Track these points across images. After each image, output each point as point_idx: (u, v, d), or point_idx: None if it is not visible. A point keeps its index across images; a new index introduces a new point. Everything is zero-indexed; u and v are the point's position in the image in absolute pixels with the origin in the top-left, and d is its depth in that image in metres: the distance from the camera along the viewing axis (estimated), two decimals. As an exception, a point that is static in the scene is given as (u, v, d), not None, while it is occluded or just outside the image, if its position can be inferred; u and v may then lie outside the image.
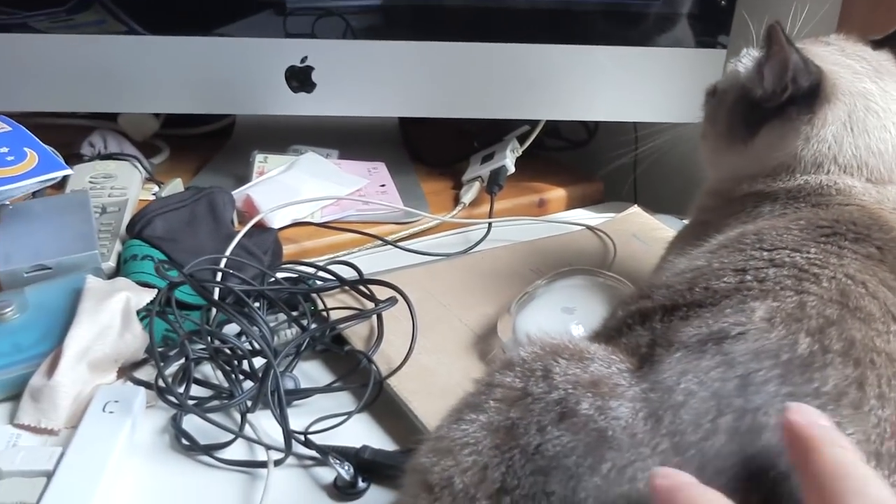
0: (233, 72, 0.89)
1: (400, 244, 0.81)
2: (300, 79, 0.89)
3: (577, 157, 1.06)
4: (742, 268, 0.44)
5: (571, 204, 0.97)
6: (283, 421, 0.53)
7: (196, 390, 0.59)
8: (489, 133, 0.99)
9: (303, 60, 0.88)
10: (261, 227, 0.79)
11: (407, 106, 0.92)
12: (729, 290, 0.43)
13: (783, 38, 0.54)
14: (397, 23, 0.88)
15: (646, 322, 0.44)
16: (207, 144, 1.04)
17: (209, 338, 0.60)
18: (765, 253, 0.45)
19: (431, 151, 1.03)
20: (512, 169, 0.92)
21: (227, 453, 0.54)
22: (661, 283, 0.47)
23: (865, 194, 0.54)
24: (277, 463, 0.53)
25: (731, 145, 0.59)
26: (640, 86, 0.91)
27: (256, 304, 0.65)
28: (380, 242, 0.82)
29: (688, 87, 0.91)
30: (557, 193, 0.96)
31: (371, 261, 0.79)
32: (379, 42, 0.88)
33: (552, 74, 0.90)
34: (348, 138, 1.01)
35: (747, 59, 0.61)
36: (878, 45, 0.60)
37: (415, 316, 0.63)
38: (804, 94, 0.55)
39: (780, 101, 0.56)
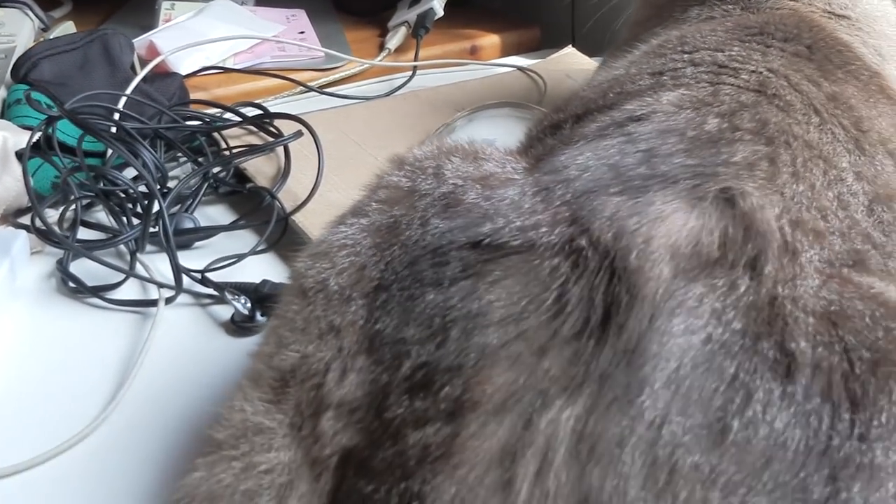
0: None
1: (318, 89, 0.76)
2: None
3: (515, 3, 1.00)
4: (659, 70, 0.41)
5: (506, 51, 0.91)
6: (172, 257, 0.49)
7: (88, 234, 0.55)
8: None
9: None
10: (165, 73, 0.73)
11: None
12: (642, 90, 0.39)
13: None
14: None
15: (556, 133, 0.40)
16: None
17: (94, 177, 0.55)
18: (685, 55, 0.42)
19: (358, 2, 0.96)
20: (440, 12, 0.86)
21: (118, 294, 0.50)
22: (576, 96, 0.43)
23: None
24: (169, 301, 0.49)
25: None
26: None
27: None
28: (299, 89, 0.77)
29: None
30: (491, 40, 0.90)
31: (286, 108, 0.74)
32: None
33: None
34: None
35: None
36: None
37: (321, 150, 0.58)
38: None
39: None
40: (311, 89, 0.76)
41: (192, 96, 0.73)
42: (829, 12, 0.50)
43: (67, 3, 0.95)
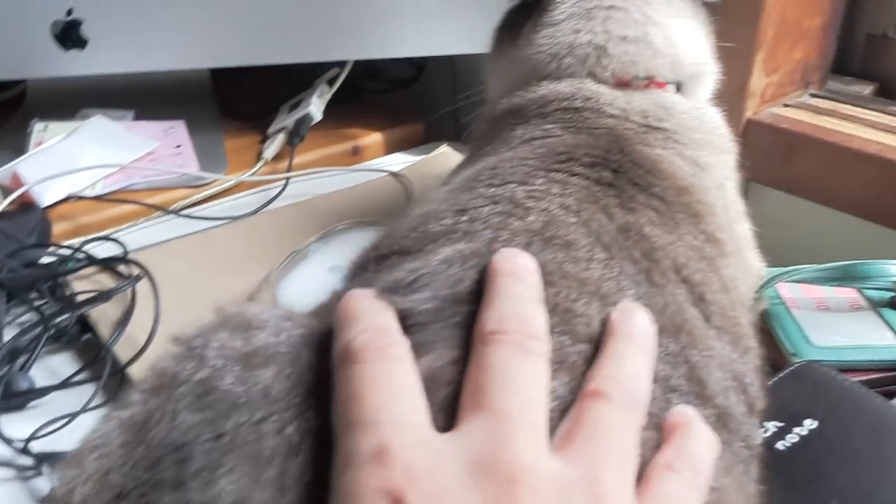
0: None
1: (184, 212, 0.75)
2: (69, 34, 0.81)
3: (403, 99, 1.01)
4: (463, 208, 0.40)
5: (390, 149, 0.91)
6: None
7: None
8: (299, 79, 0.92)
9: (68, 13, 0.80)
10: (25, 206, 0.72)
11: (193, 57, 0.84)
12: (438, 234, 0.38)
13: None
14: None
15: (357, 276, 0.39)
16: (-3, 116, 0.95)
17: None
18: (491, 189, 0.41)
19: (244, 103, 0.96)
20: (318, 117, 0.86)
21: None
22: (389, 234, 0.42)
23: (613, 105, 0.50)
24: (-14, 478, 0.47)
25: (499, 54, 0.57)
26: (450, 15, 0.85)
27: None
28: (162, 212, 0.76)
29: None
30: (373, 139, 0.90)
31: (155, 233, 0.73)
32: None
33: (356, 10, 0.83)
34: (149, 96, 0.93)
35: None
36: None
37: (157, 291, 0.57)
38: None
39: None
40: (169, 212, 0.75)
41: (56, 228, 0.72)
42: (646, 125, 0.49)
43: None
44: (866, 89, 0.75)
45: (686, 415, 0.32)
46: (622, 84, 0.51)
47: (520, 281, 0.33)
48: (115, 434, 0.32)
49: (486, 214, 0.39)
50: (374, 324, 0.31)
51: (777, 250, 0.55)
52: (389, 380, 0.29)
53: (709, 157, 0.50)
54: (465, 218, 0.39)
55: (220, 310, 0.36)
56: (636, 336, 0.33)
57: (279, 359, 0.32)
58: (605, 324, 0.33)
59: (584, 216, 0.38)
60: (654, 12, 0.55)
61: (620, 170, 0.42)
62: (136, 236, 0.72)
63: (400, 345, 0.31)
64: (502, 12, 0.61)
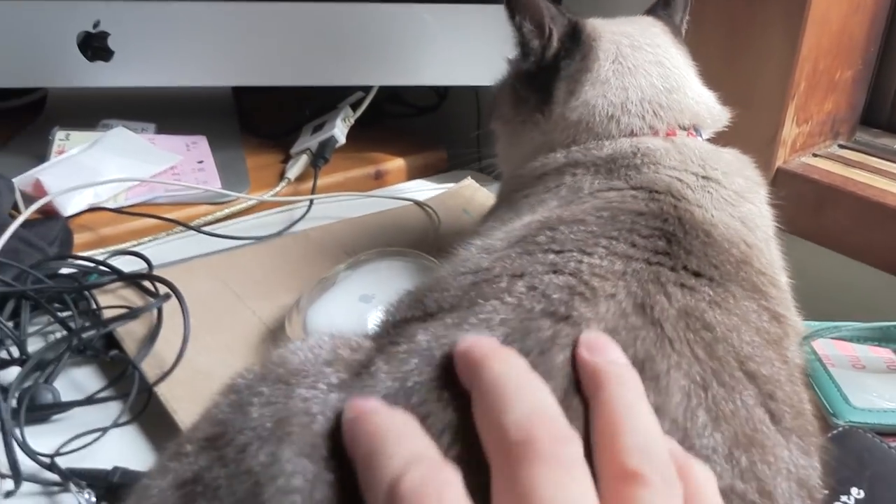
0: (21, 41, 0.79)
1: (206, 229, 0.74)
2: (95, 46, 0.80)
3: (425, 123, 1.01)
4: (521, 272, 0.38)
5: (412, 174, 0.91)
6: (6, 442, 0.47)
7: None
8: (322, 100, 0.92)
9: (95, 25, 0.79)
10: (48, 215, 0.71)
11: (219, 75, 0.84)
12: (492, 295, 0.36)
13: None
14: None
15: (403, 329, 0.37)
16: (14, 120, 0.94)
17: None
18: (550, 256, 0.39)
19: (265, 121, 0.96)
20: (342, 140, 0.86)
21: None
22: (438, 286, 0.40)
23: (669, 157, 0.50)
24: (9, 494, 0.46)
25: (528, 122, 0.56)
26: (477, 47, 0.85)
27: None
28: (184, 228, 0.75)
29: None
30: (396, 164, 0.90)
31: (177, 248, 0.73)
32: (185, 3, 0.80)
33: (384, 38, 0.83)
34: (171, 108, 0.92)
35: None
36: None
37: (186, 313, 0.56)
38: (572, 46, 0.55)
39: (554, 52, 0.55)
40: (191, 228, 0.74)
41: (78, 238, 0.71)
42: (699, 175, 0.49)
43: (-36, 127, 0.93)
44: (895, 143, 0.76)
45: None
46: (671, 135, 0.52)
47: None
48: (169, 493, 0.31)
49: (546, 286, 0.36)
50: (415, 452, 0.27)
51: (805, 302, 0.55)
52: None
53: (753, 205, 0.50)
54: (519, 284, 0.37)
55: (265, 362, 0.34)
56: (624, 375, 0.31)
57: (312, 424, 0.30)
58: (573, 366, 0.31)
59: (647, 306, 0.36)
60: (678, 62, 0.57)
61: (676, 240, 0.41)
62: (157, 250, 0.72)
63: (455, 485, 0.26)
64: (505, 79, 0.61)
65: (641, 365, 0.33)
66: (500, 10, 0.83)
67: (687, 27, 0.65)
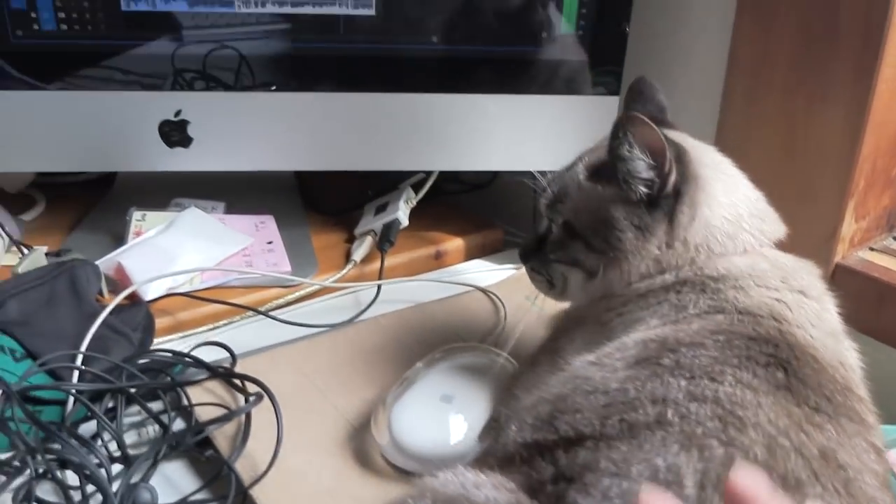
0: (104, 127, 0.83)
1: (280, 315, 0.77)
2: (175, 133, 0.84)
3: (477, 198, 1.04)
4: (661, 398, 0.41)
5: (470, 254, 0.94)
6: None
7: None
8: (384, 180, 0.95)
9: (177, 114, 0.83)
10: (131, 301, 0.75)
11: (290, 160, 0.87)
12: (648, 424, 0.40)
13: (650, 124, 0.52)
14: (280, 73, 0.84)
15: (546, 454, 0.41)
16: (88, 194, 0.98)
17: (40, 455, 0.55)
18: (683, 381, 0.42)
19: (327, 198, 0.99)
20: (405, 222, 0.89)
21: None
22: (567, 406, 0.43)
23: (773, 276, 0.52)
24: None
25: (637, 251, 0.54)
26: (534, 134, 0.88)
27: (111, 404, 0.60)
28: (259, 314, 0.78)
29: (582, 135, 0.89)
30: (455, 244, 0.93)
31: (252, 332, 0.75)
32: (259, 94, 0.83)
33: (444, 124, 0.86)
34: (238, 187, 0.96)
35: (572, 174, 0.58)
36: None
37: (280, 415, 0.59)
38: (681, 169, 0.54)
39: (674, 180, 0.54)
40: (268, 316, 0.77)
41: (157, 322, 0.74)
42: (795, 290, 0.52)
43: (41, 202, 0.97)
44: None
45: None
46: (767, 249, 0.55)
47: None
48: None
49: (697, 414, 0.39)
50: None
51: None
52: None
53: (830, 314, 0.52)
54: (669, 412, 0.40)
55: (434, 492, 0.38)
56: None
57: None
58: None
59: (792, 439, 0.39)
60: (740, 172, 0.59)
61: (792, 370, 0.44)
62: (233, 334, 0.75)
63: None
64: (589, 206, 0.57)
65: (795, 486, 0.36)
66: (558, 99, 0.87)
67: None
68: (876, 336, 0.70)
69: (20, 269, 0.72)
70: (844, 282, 0.73)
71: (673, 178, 0.54)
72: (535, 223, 0.65)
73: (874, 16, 0.67)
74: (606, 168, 0.55)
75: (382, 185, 0.95)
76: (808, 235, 0.72)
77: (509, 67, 0.85)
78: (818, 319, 0.49)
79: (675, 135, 0.60)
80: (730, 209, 0.55)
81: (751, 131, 0.77)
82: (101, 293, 0.76)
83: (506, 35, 0.84)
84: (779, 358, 0.44)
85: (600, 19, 0.84)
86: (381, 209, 0.91)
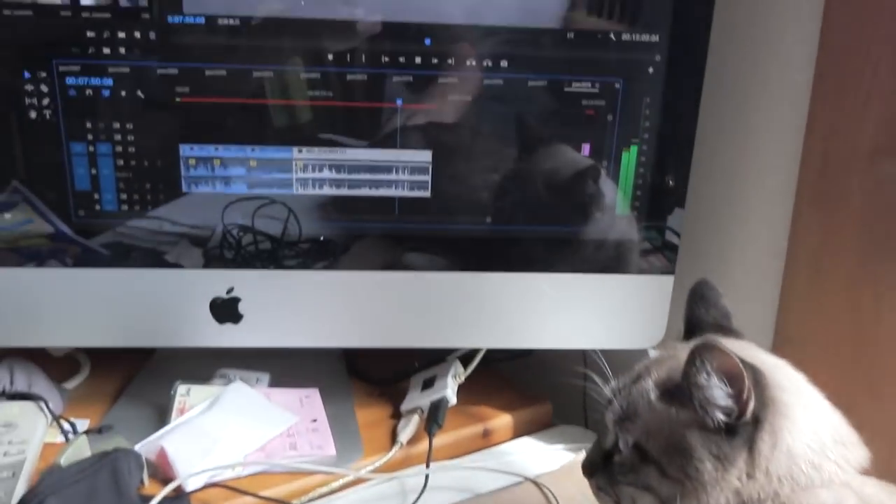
0: (153, 304, 0.83)
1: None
2: (226, 310, 0.84)
3: (522, 365, 1.01)
4: None
5: (518, 430, 0.91)
6: None
7: None
8: (432, 351, 0.94)
9: (228, 291, 0.83)
10: (172, 493, 0.72)
11: (340, 337, 0.87)
12: None
13: (727, 352, 0.50)
14: (330, 253, 0.84)
15: None
16: (133, 356, 0.97)
17: None
18: None
19: (373, 368, 0.97)
20: (453, 400, 0.86)
21: None
22: None
23: None
24: None
25: (715, 483, 0.52)
26: (585, 312, 0.86)
27: None
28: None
29: (636, 313, 0.88)
30: (503, 421, 0.90)
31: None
32: (309, 272, 0.83)
33: (495, 302, 0.85)
34: (283, 354, 0.95)
35: (640, 390, 0.56)
36: None
37: None
38: (759, 393, 0.52)
39: (753, 408, 0.51)
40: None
41: (198, 515, 0.72)
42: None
43: (86, 366, 0.96)
44: None
45: None
46: (853, 479, 0.52)
47: None
48: None
49: None
50: None
51: None
52: None
53: None
54: None
55: None
56: None
57: None
58: None
59: None
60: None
61: None
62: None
63: None
64: (659, 432, 0.54)
65: None
66: (611, 277, 0.86)
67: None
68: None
69: (62, 461, 0.71)
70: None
71: (752, 405, 0.51)
72: (598, 436, 0.62)
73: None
74: (680, 390, 0.53)
75: (430, 356, 0.93)
76: (881, 439, 0.69)
77: (562, 247, 0.85)
78: None
79: (744, 347, 0.59)
80: (812, 436, 0.52)
81: (815, 325, 0.75)
82: (142, 482, 0.74)
83: (559, 215, 0.84)
84: None
85: (655, 201, 0.84)
86: (429, 384, 0.89)
